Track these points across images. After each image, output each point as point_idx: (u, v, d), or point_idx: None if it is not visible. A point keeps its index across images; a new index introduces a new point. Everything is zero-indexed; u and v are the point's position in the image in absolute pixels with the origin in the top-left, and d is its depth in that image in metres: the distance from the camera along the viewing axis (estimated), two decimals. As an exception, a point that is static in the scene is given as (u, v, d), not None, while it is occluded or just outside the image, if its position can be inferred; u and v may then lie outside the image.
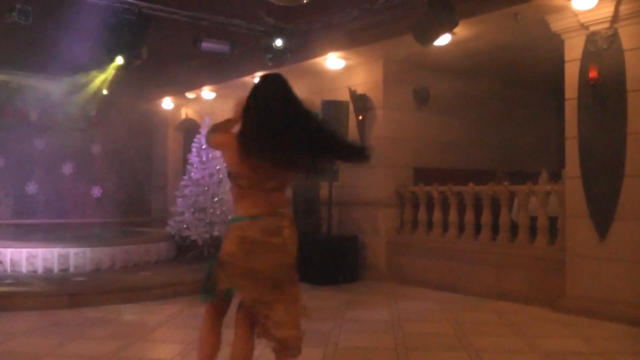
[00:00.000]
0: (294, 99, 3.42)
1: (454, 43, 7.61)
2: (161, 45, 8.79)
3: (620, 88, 6.38)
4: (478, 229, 8.19)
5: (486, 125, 10.83)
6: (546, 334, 5.86)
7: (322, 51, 9.06)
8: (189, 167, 10.68)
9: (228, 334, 3.50)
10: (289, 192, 10.06)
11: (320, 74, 9.90)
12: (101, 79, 10.88)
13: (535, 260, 7.34)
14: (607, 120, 6.49)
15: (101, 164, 13.68)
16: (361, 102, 9.37)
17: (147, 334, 5.83)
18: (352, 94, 9.35)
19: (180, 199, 10.50)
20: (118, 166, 13.73)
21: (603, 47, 6.51)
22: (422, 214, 8.93)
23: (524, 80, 10.83)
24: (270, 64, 8.52)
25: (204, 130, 10.71)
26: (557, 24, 6.91)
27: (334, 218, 9.45)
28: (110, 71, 10.35)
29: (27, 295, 7.11)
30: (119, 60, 8.38)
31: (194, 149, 10.69)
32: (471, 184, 8.31)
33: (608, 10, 6.37)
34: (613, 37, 6.43)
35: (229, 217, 4.00)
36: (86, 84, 11.24)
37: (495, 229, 7.99)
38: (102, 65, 10.03)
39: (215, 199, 10.30)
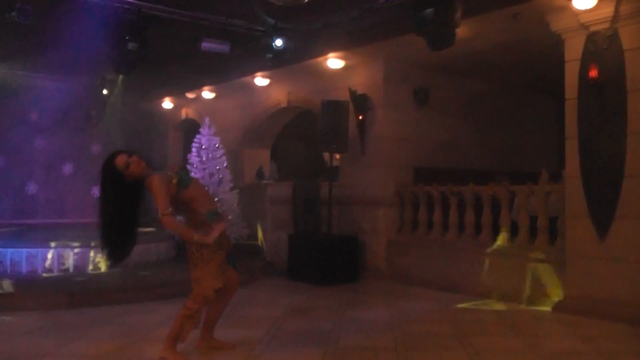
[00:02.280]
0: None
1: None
2: (161, 45, 8.78)
3: (620, 88, 6.39)
4: (478, 229, 8.19)
5: (486, 125, 10.84)
6: (546, 334, 5.86)
7: (322, 51, 9.06)
8: (189, 167, 10.67)
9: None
10: (288, 192, 10.11)
11: (320, 74, 9.90)
12: None
13: (536, 260, 7.34)
14: (607, 120, 6.49)
15: (101, 164, 13.66)
16: (361, 102, 9.37)
17: (147, 333, 5.83)
18: (352, 93, 9.35)
19: (180, 199, 10.50)
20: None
21: (603, 47, 6.51)
22: (422, 214, 8.93)
23: (524, 80, 10.83)
24: (270, 63, 8.52)
25: (204, 130, 10.71)
26: (557, 24, 6.91)
27: (334, 218, 9.45)
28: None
29: (27, 295, 7.11)
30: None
31: (194, 149, 10.69)
32: (471, 184, 8.31)
33: (608, 10, 6.37)
34: (613, 37, 6.43)
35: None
36: None
37: (495, 229, 7.99)
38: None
39: (216, 199, 10.28)
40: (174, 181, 4.72)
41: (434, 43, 6.64)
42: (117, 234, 4.74)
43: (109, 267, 4.88)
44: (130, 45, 7.40)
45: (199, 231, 4.72)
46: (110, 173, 4.69)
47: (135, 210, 4.81)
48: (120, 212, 4.71)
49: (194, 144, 10.76)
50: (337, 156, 10.08)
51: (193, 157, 10.64)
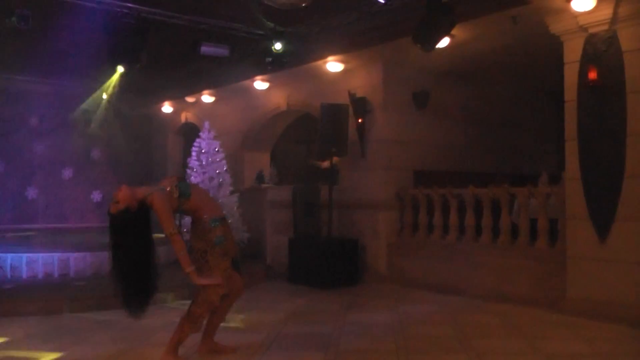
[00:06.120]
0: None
1: (453, 46, 7.62)
2: (161, 50, 8.80)
3: (619, 89, 6.39)
4: (478, 231, 8.18)
5: (486, 128, 10.84)
6: (547, 336, 5.85)
7: (322, 54, 9.07)
8: (188, 171, 10.67)
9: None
10: (288, 196, 10.10)
11: (319, 77, 9.91)
12: (105, 89, 10.92)
13: (536, 262, 7.34)
14: (607, 121, 6.49)
15: (101, 168, 13.67)
16: (361, 105, 9.37)
17: (148, 337, 5.82)
18: (352, 97, 9.35)
19: (180, 203, 10.48)
20: (118, 171, 13.72)
21: (602, 48, 6.51)
22: (422, 217, 8.93)
23: (523, 82, 10.84)
24: (269, 67, 8.53)
25: (204, 134, 10.72)
26: (556, 26, 6.92)
27: (334, 221, 9.45)
28: (112, 80, 10.37)
29: (27, 299, 7.10)
30: (120, 69, 8.48)
31: (193, 153, 10.68)
32: (471, 187, 8.31)
33: (607, 12, 6.38)
34: (612, 39, 6.44)
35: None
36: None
37: (495, 231, 7.99)
38: (103, 73, 10.07)
39: (216, 203, 10.28)
40: (175, 195, 4.73)
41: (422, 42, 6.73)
42: (138, 273, 4.66)
43: (134, 316, 4.76)
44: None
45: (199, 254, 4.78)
46: (115, 222, 4.63)
47: (148, 239, 4.71)
48: (136, 248, 4.64)
49: (193, 148, 10.76)
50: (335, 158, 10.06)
51: (193, 161, 10.64)
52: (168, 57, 9.56)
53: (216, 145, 10.66)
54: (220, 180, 10.47)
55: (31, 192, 12.78)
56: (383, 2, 6.93)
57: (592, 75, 6.53)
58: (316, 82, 10.13)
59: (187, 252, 4.66)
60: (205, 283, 4.72)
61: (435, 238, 8.70)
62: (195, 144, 10.80)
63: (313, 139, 9.54)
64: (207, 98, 12.37)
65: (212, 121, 11.13)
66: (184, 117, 13.85)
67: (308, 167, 12.64)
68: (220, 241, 4.80)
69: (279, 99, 11.27)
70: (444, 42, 7.27)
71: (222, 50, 8.21)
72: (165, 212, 4.62)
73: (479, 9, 6.96)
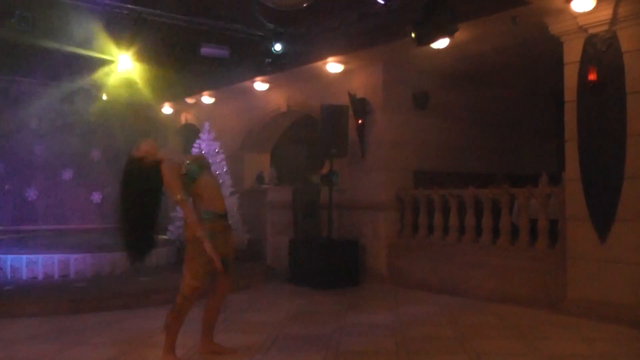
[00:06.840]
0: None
1: (452, 46, 7.62)
2: (161, 50, 8.80)
3: (619, 90, 6.39)
4: (479, 232, 8.18)
5: (485, 128, 10.85)
6: (547, 337, 5.85)
7: (322, 55, 9.07)
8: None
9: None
10: (288, 197, 10.08)
11: (319, 78, 9.91)
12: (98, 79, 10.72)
13: (536, 262, 7.34)
14: (607, 122, 6.49)
15: (101, 169, 13.65)
16: (361, 105, 9.38)
17: (148, 339, 5.82)
18: (352, 97, 9.36)
19: (180, 204, 10.47)
20: (118, 172, 13.66)
21: (602, 49, 6.52)
22: (422, 218, 8.93)
23: (523, 83, 10.84)
24: (269, 68, 8.53)
25: (204, 135, 10.72)
26: (555, 27, 6.92)
27: (334, 222, 9.45)
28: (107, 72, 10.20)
29: (27, 301, 7.10)
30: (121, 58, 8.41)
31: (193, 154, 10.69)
32: (471, 187, 8.31)
33: (607, 13, 6.38)
34: (612, 39, 6.44)
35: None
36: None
37: (495, 232, 7.99)
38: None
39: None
40: (182, 172, 4.77)
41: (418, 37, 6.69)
42: (141, 227, 4.80)
43: (133, 263, 4.93)
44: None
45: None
46: (129, 167, 4.81)
47: (157, 193, 4.84)
48: (144, 201, 4.77)
49: (193, 149, 10.77)
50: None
51: (193, 162, 10.63)
52: (168, 57, 9.55)
53: (216, 146, 10.67)
54: (221, 181, 10.47)
55: (31, 194, 12.77)
56: (383, 2, 6.93)
57: (592, 75, 6.54)
58: (316, 83, 10.14)
59: (196, 216, 4.71)
60: (209, 251, 4.67)
61: (436, 239, 8.70)
62: (195, 145, 10.80)
63: (313, 140, 9.54)
64: (207, 99, 12.38)
65: (212, 122, 11.14)
66: (184, 118, 13.85)
67: (307, 181, 12.60)
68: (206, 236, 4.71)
69: (279, 100, 11.28)
70: (444, 43, 7.27)
71: (222, 52, 8.22)
72: (172, 179, 4.69)
73: (478, 10, 6.96)
